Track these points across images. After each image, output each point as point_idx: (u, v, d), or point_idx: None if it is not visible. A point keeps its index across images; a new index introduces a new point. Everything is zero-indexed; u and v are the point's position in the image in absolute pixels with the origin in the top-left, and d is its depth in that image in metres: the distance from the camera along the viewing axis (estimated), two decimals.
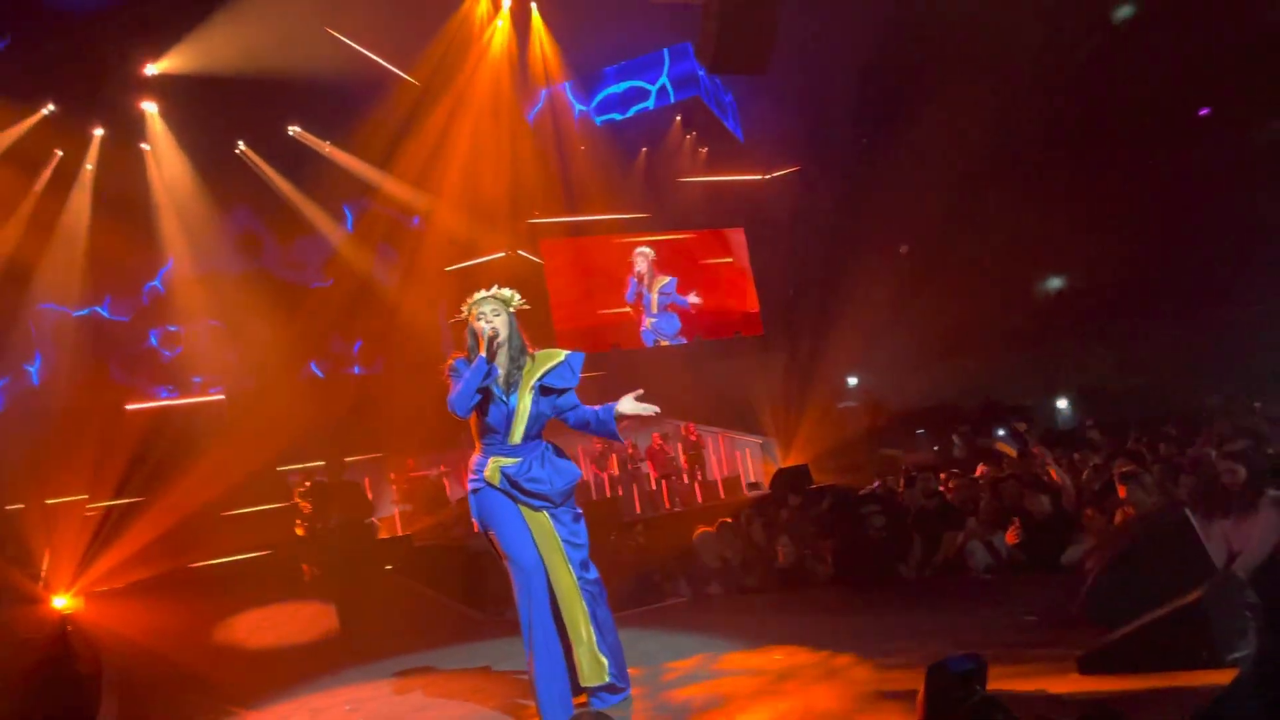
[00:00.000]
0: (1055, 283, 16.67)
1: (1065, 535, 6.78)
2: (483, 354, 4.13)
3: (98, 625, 8.40)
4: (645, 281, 17.82)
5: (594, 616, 4.25)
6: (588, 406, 4.34)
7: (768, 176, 17.66)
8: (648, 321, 17.88)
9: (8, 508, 11.02)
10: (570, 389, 4.32)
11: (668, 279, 17.97)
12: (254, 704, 5.87)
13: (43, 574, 10.01)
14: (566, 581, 4.24)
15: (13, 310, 12.80)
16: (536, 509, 4.26)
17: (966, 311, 14.54)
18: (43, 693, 6.81)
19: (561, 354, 4.34)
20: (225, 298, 13.94)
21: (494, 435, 4.28)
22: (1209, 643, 3.37)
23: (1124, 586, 4.13)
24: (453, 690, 5.33)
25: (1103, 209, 14.48)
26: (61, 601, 9.35)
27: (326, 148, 14.42)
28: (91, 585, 10.01)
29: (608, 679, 4.25)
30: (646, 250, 17.91)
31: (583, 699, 4.34)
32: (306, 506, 6.93)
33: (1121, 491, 6.83)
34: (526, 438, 4.27)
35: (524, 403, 4.26)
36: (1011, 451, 8.69)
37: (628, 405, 4.22)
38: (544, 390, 4.27)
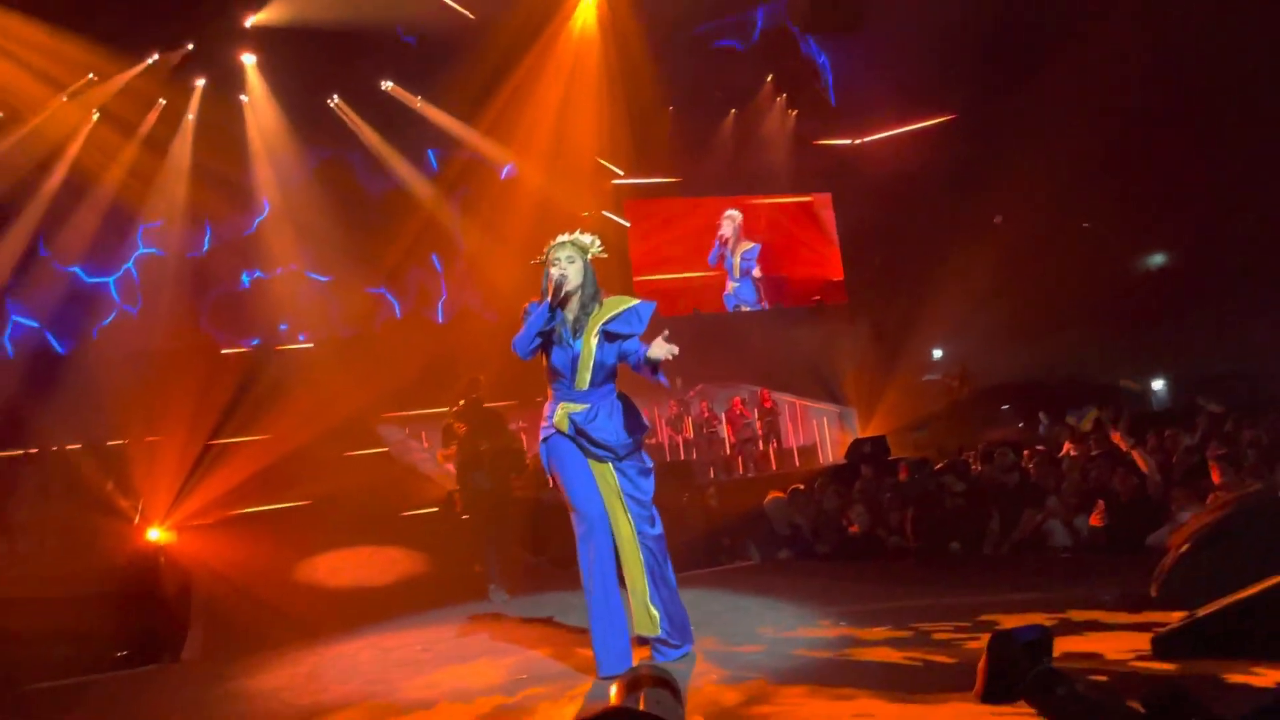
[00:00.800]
0: (1158, 259, 15.98)
1: (1150, 518, 6.55)
2: (548, 299, 4.16)
3: (188, 557, 8.79)
4: (729, 245, 17.68)
5: (650, 571, 4.27)
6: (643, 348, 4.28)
7: (858, 141, 17.27)
8: (730, 286, 17.76)
9: (110, 443, 11.57)
10: (634, 335, 4.27)
11: (752, 245, 17.80)
12: (329, 638, 6.07)
13: (140, 506, 10.50)
14: (626, 533, 4.27)
15: (115, 253, 13.33)
16: (601, 459, 4.28)
17: (1062, 286, 14.06)
18: (135, 617, 7.16)
19: (631, 301, 4.32)
20: (315, 247, 14.27)
21: (561, 380, 4.31)
22: None
23: (1208, 569, 3.98)
24: (518, 636, 5.44)
25: (1212, 184, 13.80)
26: (155, 533, 9.79)
27: (418, 103, 14.58)
28: (185, 519, 10.46)
29: (659, 632, 4.27)
30: (734, 213, 17.74)
31: (646, 652, 4.37)
32: (461, 428, 6.87)
33: (1215, 474, 6.58)
34: (594, 384, 4.27)
35: (588, 346, 4.27)
36: (1084, 426, 8.40)
37: (656, 348, 4.16)
38: (608, 336, 4.26)
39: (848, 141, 17.28)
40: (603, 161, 15.75)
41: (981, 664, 2.43)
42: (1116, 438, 7.86)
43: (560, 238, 4.36)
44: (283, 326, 14.37)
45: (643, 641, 4.36)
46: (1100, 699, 2.25)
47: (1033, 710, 2.36)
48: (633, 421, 4.36)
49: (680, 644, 4.37)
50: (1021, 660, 2.37)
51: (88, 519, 10.27)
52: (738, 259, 17.73)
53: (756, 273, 17.67)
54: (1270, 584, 3.40)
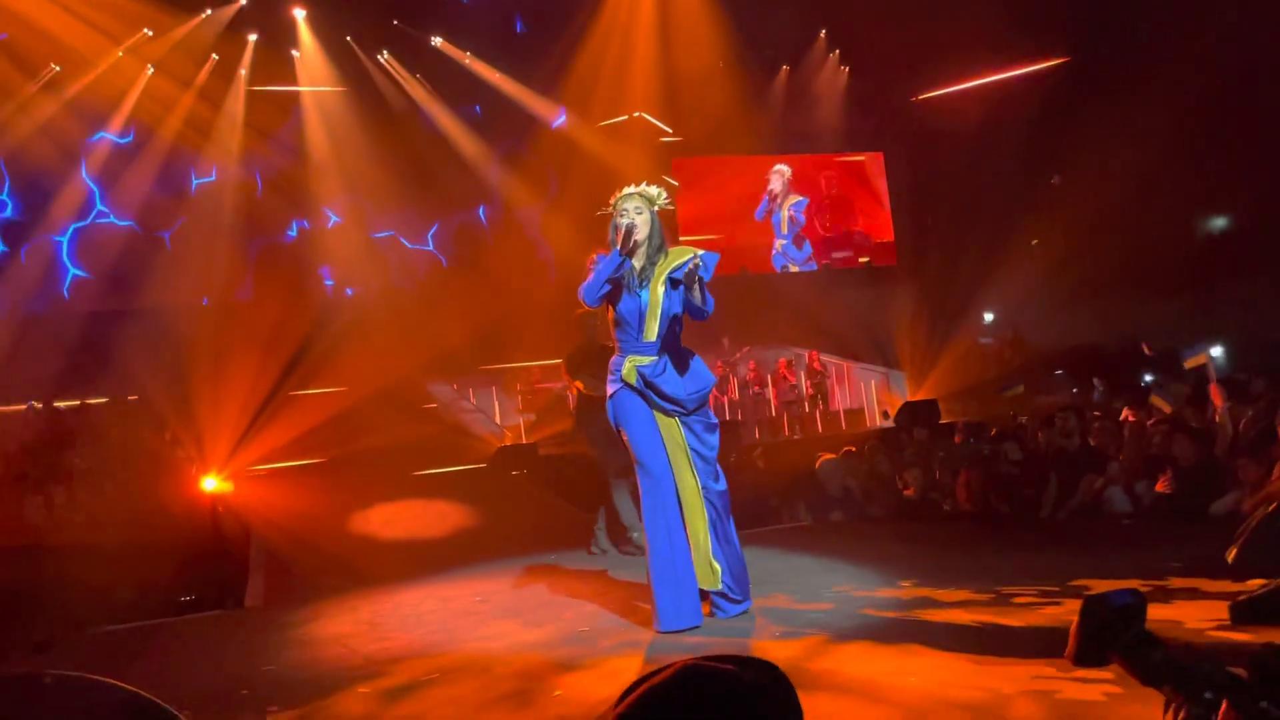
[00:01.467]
0: (1219, 222, 15.55)
1: (1214, 485, 6.42)
2: (618, 246, 4.18)
3: (247, 506, 8.95)
4: (778, 200, 17.48)
5: (713, 525, 4.29)
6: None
7: (916, 99, 16.91)
8: (778, 244, 17.59)
9: (168, 394, 11.77)
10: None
11: (800, 198, 17.58)
12: (388, 588, 6.16)
13: (199, 455, 10.70)
14: (691, 487, 4.28)
15: (170, 206, 13.48)
16: (669, 413, 4.28)
17: (1119, 249, 13.74)
18: (197, 564, 7.32)
19: (696, 251, 4.30)
20: (363, 200, 14.34)
21: (628, 330, 4.30)
22: None
23: None
24: (574, 590, 5.48)
25: (1275, 144, 13.36)
26: (213, 482, 9.98)
27: (466, 58, 14.52)
28: (243, 469, 10.65)
29: (720, 586, 4.29)
30: (783, 168, 17.52)
31: (706, 608, 4.38)
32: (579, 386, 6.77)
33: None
34: (660, 335, 4.27)
35: (655, 295, 4.27)
36: (1167, 407, 8.19)
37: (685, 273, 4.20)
38: (674, 284, 4.26)
39: (933, 92, 16.59)
40: (647, 117, 15.59)
41: (1074, 627, 2.37)
42: (1214, 391, 7.59)
43: (628, 189, 4.35)
44: (328, 282, 14.50)
45: (703, 596, 4.37)
46: (1199, 663, 2.19)
47: (1123, 672, 2.32)
48: (701, 376, 4.36)
49: (741, 599, 4.39)
50: (1115, 623, 2.30)
51: (146, 468, 10.50)
52: (785, 212, 17.55)
53: (804, 226, 17.49)
54: None
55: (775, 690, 1.30)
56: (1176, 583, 4.33)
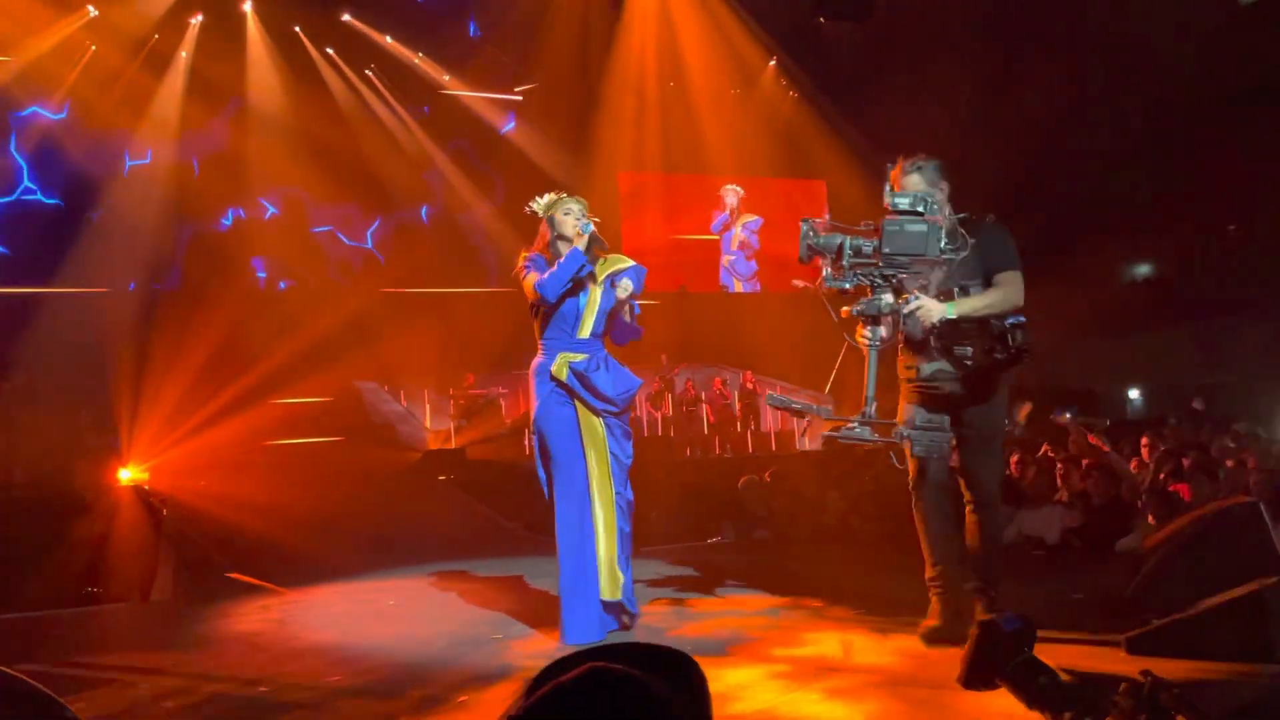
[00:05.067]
0: (1143, 269, 16.09)
1: (1121, 522, 6.62)
2: (577, 245, 4.27)
3: (160, 498, 8.71)
4: (734, 216, 17.69)
5: (620, 532, 4.32)
6: None
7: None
8: (726, 259, 17.75)
9: (90, 381, 11.43)
10: (632, 293, 4.40)
11: (754, 217, 17.80)
12: (302, 587, 6.06)
13: (112, 445, 10.40)
14: (607, 494, 4.31)
15: (101, 187, 13.12)
16: (598, 412, 4.32)
17: (1043, 289, 14.12)
18: (100, 557, 7.11)
19: (630, 261, 4.46)
20: (301, 193, 14.14)
21: (563, 326, 4.35)
22: (1265, 636, 3.29)
23: (1184, 573, 4.03)
24: (487, 597, 5.46)
25: (1202, 199, 13.89)
26: (126, 473, 9.71)
27: (417, 58, 14.45)
28: (159, 461, 10.37)
29: (620, 596, 4.29)
30: (736, 188, 17.75)
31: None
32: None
33: (1186, 486, 6.66)
34: (593, 334, 4.37)
35: (595, 295, 4.39)
36: (1088, 435, 8.46)
37: (620, 289, 4.37)
38: (614, 285, 4.38)
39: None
40: None
41: (966, 650, 2.45)
42: (1094, 440, 7.92)
43: (560, 195, 4.45)
44: (261, 274, 14.25)
45: (606, 608, 4.33)
46: (1080, 688, 2.27)
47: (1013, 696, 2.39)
48: (628, 377, 4.45)
49: (635, 612, 4.44)
50: (1006, 648, 2.38)
51: (58, 455, 10.18)
52: (738, 230, 17.75)
53: (756, 246, 17.68)
54: (1245, 590, 3.46)
55: (681, 694, 1.29)
56: (1076, 615, 4.46)
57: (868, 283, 3.73)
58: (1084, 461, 7.47)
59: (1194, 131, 13.48)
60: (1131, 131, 13.79)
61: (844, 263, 3.67)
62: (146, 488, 9.18)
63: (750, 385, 15.50)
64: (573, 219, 4.32)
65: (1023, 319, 3.75)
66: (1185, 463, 6.99)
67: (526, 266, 4.34)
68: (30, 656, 4.40)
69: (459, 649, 4.28)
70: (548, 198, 4.44)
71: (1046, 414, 11.36)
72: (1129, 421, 12.90)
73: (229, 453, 10.67)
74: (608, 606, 4.30)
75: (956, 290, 3.85)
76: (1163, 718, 2.11)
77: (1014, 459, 8.06)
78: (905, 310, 3.74)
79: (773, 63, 17.05)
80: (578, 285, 4.31)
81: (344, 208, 14.50)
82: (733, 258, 17.74)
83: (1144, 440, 8.09)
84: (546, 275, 4.21)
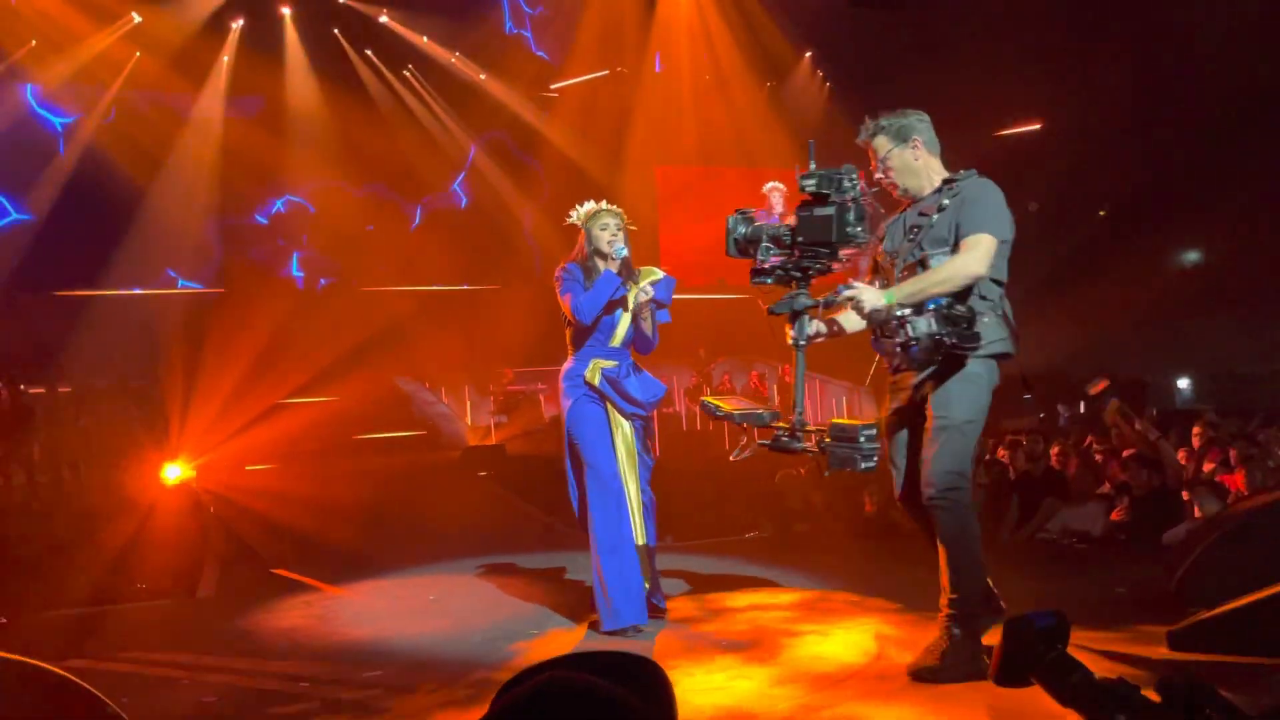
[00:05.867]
0: (1192, 256, 15.73)
1: (1168, 514, 6.50)
2: (610, 269, 4.38)
3: (207, 497, 8.88)
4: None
5: (649, 529, 4.49)
6: None
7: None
8: None
9: (137, 383, 11.67)
10: (660, 303, 4.51)
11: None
12: (343, 584, 6.14)
13: (160, 445, 10.60)
14: (633, 492, 4.45)
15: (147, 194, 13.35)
16: (627, 415, 4.44)
17: (1093, 277, 13.90)
18: (151, 552, 7.25)
19: (661, 272, 4.54)
20: (341, 194, 14.29)
21: (597, 337, 4.47)
22: None
23: (1228, 567, 3.94)
24: (527, 592, 5.49)
25: (1255, 183, 13.56)
26: (175, 471, 9.89)
27: (454, 58, 14.54)
28: (206, 460, 10.55)
29: (648, 587, 4.44)
30: (779, 185, 17.58)
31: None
32: None
33: (1239, 475, 6.52)
34: (624, 343, 4.50)
35: (629, 305, 4.51)
36: (1123, 422, 8.30)
37: (641, 293, 4.44)
38: (647, 296, 4.46)
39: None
40: None
41: (997, 648, 2.41)
42: (1140, 427, 7.76)
43: (603, 204, 4.53)
44: (299, 273, 14.45)
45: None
46: (1114, 686, 2.22)
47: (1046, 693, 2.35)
48: (655, 384, 4.60)
49: (662, 605, 4.58)
50: (1037, 645, 2.34)
51: (108, 457, 10.40)
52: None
53: None
54: None
55: (650, 704, 1.27)
56: (1118, 609, 4.39)
57: (786, 276, 3.50)
58: (1124, 453, 7.34)
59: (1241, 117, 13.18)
60: (1181, 119, 13.50)
61: (761, 256, 3.51)
62: (194, 486, 9.36)
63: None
64: (608, 234, 4.42)
65: (986, 301, 3.39)
66: (1233, 453, 6.83)
67: (564, 279, 4.45)
68: (76, 652, 4.51)
69: (497, 643, 4.32)
70: (588, 206, 4.53)
71: (1099, 404, 11.22)
72: (1177, 411, 12.66)
73: (274, 450, 10.83)
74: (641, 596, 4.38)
75: (919, 266, 3.49)
76: (1197, 717, 2.06)
77: (1055, 451, 7.95)
78: (840, 299, 3.44)
79: (808, 55, 16.91)
80: (612, 304, 4.43)
81: (383, 205, 14.62)
82: None
83: (1195, 430, 7.90)
84: (583, 299, 4.34)
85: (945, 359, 3.40)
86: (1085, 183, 14.44)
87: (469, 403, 14.10)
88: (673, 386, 14.79)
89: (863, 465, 3.40)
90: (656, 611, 4.48)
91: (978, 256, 3.38)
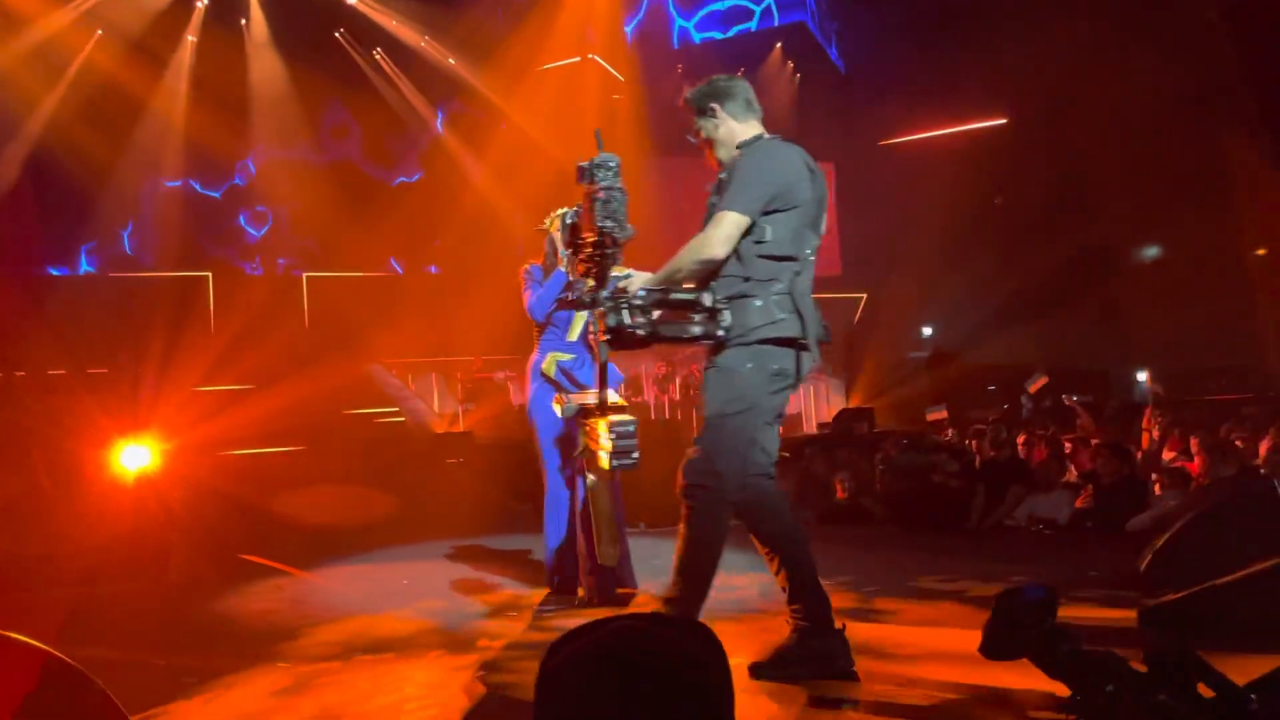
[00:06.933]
0: (1151, 251, 16.01)
1: (1132, 501, 6.63)
2: (561, 268, 4.58)
3: (172, 482, 8.73)
4: None
5: (615, 506, 4.60)
6: None
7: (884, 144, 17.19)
8: None
9: (91, 370, 11.42)
10: None
11: None
12: (315, 569, 6.10)
13: (124, 431, 10.39)
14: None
15: (107, 174, 13.07)
16: None
17: (1055, 271, 14.13)
18: (118, 536, 7.12)
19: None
20: (311, 183, 14.09)
21: (554, 331, 4.73)
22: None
23: (1196, 550, 4.04)
24: (496, 570, 5.60)
25: (1214, 177, 13.85)
26: (138, 457, 9.69)
27: (423, 42, 14.38)
28: (178, 444, 10.36)
29: (615, 564, 4.56)
30: None
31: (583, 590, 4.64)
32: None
33: (1198, 462, 6.67)
34: (580, 337, 4.72)
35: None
36: (1089, 420, 8.48)
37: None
38: None
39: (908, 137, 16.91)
40: (599, 60, 15.41)
41: (988, 620, 2.45)
42: (1083, 424, 7.94)
43: (566, 210, 4.59)
44: (281, 261, 14.27)
45: (599, 572, 4.61)
46: (1104, 658, 2.27)
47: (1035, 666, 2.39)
48: (611, 369, 4.62)
49: (635, 583, 4.78)
50: (1027, 617, 2.39)
51: (64, 439, 10.16)
52: None
53: None
54: (1261, 567, 3.46)
55: (708, 654, 1.28)
56: (1089, 591, 4.47)
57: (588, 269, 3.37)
58: (1093, 441, 7.48)
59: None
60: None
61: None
62: (156, 471, 9.18)
63: None
64: (565, 236, 4.51)
65: (753, 282, 3.13)
66: (1193, 442, 6.99)
67: (525, 279, 4.74)
68: (50, 631, 4.42)
69: (471, 623, 4.34)
70: (552, 214, 4.71)
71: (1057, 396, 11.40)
72: (1137, 405, 12.89)
73: (245, 434, 10.67)
74: (604, 572, 4.56)
75: None
76: (1186, 686, 2.11)
77: (1020, 440, 8.07)
78: (617, 287, 3.26)
79: (779, 45, 16.97)
80: (568, 302, 4.47)
81: (352, 196, 14.44)
82: None
83: (1146, 415, 8.06)
84: (534, 298, 4.60)
85: (712, 348, 3.23)
86: (1044, 176, 14.65)
87: (435, 391, 14.01)
88: (641, 374, 14.82)
89: (613, 462, 3.35)
90: (624, 586, 4.69)
91: (713, 237, 3.15)
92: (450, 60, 14.53)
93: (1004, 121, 15.57)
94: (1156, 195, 14.27)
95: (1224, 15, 12.70)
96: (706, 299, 3.17)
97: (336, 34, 14.06)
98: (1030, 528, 7.06)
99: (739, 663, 3.37)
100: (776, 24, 16.02)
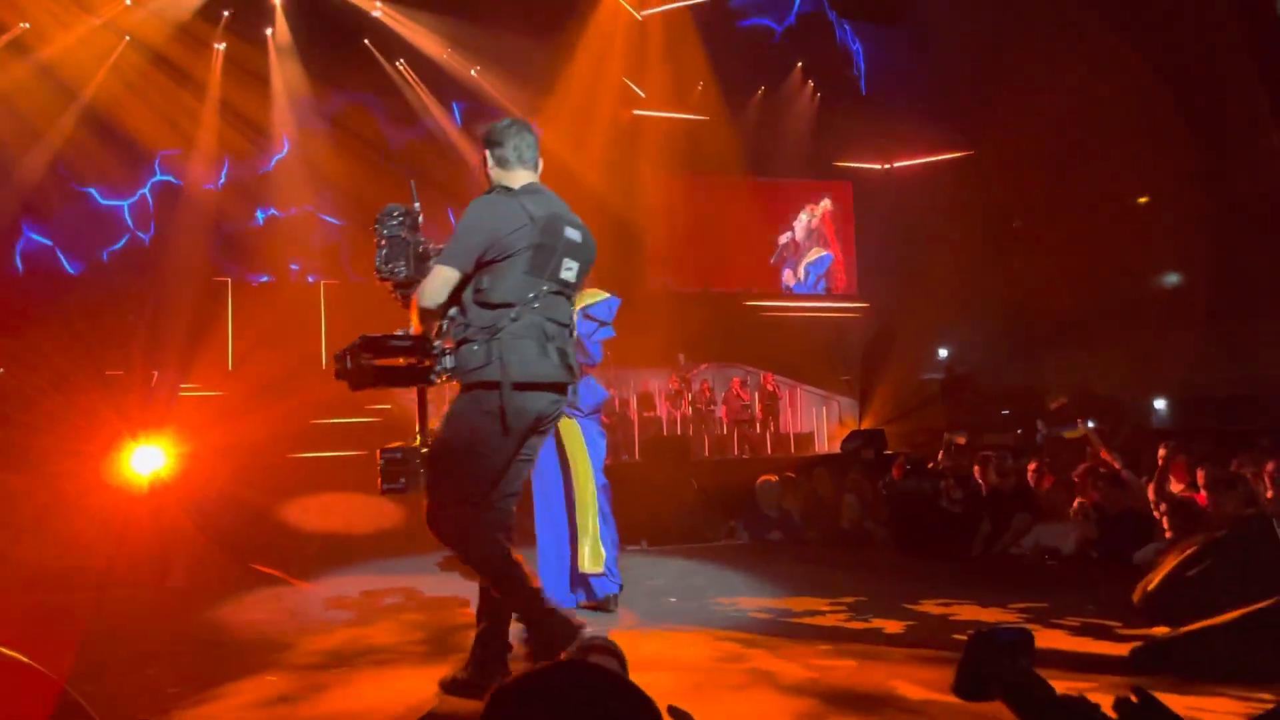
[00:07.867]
0: (1172, 278, 15.88)
1: (1138, 534, 6.56)
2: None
3: (176, 488, 8.79)
4: (796, 251, 17.70)
5: (601, 513, 4.95)
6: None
7: (887, 167, 17.20)
8: (789, 277, 17.77)
9: (108, 371, 11.53)
10: (606, 323, 4.98)
11: (820, 254, 17.78)
12: (316, 580, 6.13)
13: (130, 435, 10.46)
14: (584, 477, 4.91)
15: (132, 178, 13.25)
16: (569, 416, 4.89)
17: (1073, 296, 14.05)
18: (117, 542, 7.18)
19: (605, 294, 5.00)
20: (330, 190, 14.22)
21: None
22: (1275, 653, 3.24)
23: (1192, 587, 3.99)
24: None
25: (1237, 206, 13.74)
26: (144, 463, 9.76)
27: (445, 54, 14.50)
28: (187, 450, 10.43)
29: (603, 569, 4.88)
30: (815, 211, 17.74)
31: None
32: None
33: (1204, 496, 6.59)
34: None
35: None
36: (1094, 439, 8.39)
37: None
38: (586, 317, 4.87)
39: (877, 166, 17.12)
40: (629, 84, 15.53)
41: (960, 659, 2.43)
42: (1105, 455, 7.85)
43: None
44: (294, 265, 14.36)
45: (583, 580, 4.91)
46: (1076, 703, 2.25)
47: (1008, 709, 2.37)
48: (597, 390, 5.13)
49: (618, 579, 5.00)
50: (1001, 659, 2.36)
51: (67, 443, 10.23)
52: (801, 269, 17.76)
53: (823, 286, 17.76)
54: (1253, 609, 3.41)
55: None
56: (1085, 626, 4.42)
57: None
58: (1083, 468, 7.44)
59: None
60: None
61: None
62: (165, 475, 9.25)
63: (770, 387, 15.47)
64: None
65: (472, 327, 3.24)
66: (1200, 475, 6.91)
67: None
68: (40, 638, 4.46)
69: (463, 633, 4.31)
70: None
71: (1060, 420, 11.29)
72: (1154, 431, 12.78)
73: (254, 443, 10.74)
74: (587, 579, 4.87)
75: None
76: None
77: (1030, 468, 8.01)
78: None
79: (799, 65, 17.00)
80: None
81: (370, 203, 14.57)
82: (798, 280, 17.76)
83: (1160, 452, 7.97)
84: None
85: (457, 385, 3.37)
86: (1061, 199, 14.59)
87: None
88: (652, 391, 14.83)
89: (383, 486, 3.44)
90: (609, 594, 4.92)
91: (424, 290, 3.29)
92: (472, 71, 14.64)
93: (1019, 144, 15.54)
94: (1178, 220, 14.20)
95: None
96: (431, 344, 3.31)
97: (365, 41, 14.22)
98: (1035, 557, 7.00)
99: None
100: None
